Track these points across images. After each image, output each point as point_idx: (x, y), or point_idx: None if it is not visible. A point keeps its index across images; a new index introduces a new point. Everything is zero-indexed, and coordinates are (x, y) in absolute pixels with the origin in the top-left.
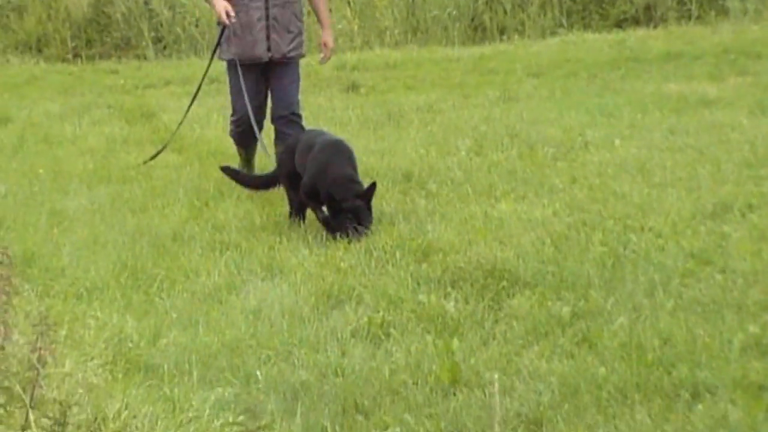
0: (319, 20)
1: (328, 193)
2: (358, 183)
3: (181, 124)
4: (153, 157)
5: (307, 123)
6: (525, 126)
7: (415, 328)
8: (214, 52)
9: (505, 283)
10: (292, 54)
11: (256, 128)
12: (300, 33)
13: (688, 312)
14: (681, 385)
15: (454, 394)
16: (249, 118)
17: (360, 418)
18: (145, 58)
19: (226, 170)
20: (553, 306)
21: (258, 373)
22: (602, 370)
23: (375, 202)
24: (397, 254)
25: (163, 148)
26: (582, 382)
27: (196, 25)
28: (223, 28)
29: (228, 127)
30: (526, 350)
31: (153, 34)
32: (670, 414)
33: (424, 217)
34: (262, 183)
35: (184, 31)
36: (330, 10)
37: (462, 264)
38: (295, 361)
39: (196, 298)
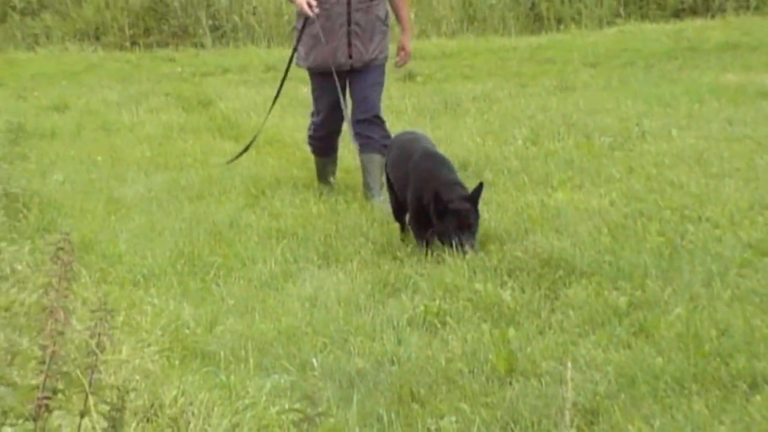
0: (399, 22)
1: (434, 194)
2: (465, 187)
3: (263, 126)
4: (237, 157)
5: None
6: (582, 115)
7: (471, 316)
8: (291, 58)
9: (561, 272)
10: (375, 61)
11: (347, 119)
12: (384, 36)
13: (746, 302)
14: (738, 376)
15: (510, 383)
16: (330, 119)
17: (416, 406)
18: (203, 46)
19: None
20: (610, 296)
21: (314, 360)
22: (659, 360)
23: None
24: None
25: (247, 147)
26: (639, 372)
27: (254, 14)
28: (302, 31)
29: (306, 133)
30: (582, 340)
31: (210, 22)
32: (728, 405)
33: (481, 206)
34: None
35: (241, 19)
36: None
37: (518, 253)
38: (351, 348)
39: (253, 286)
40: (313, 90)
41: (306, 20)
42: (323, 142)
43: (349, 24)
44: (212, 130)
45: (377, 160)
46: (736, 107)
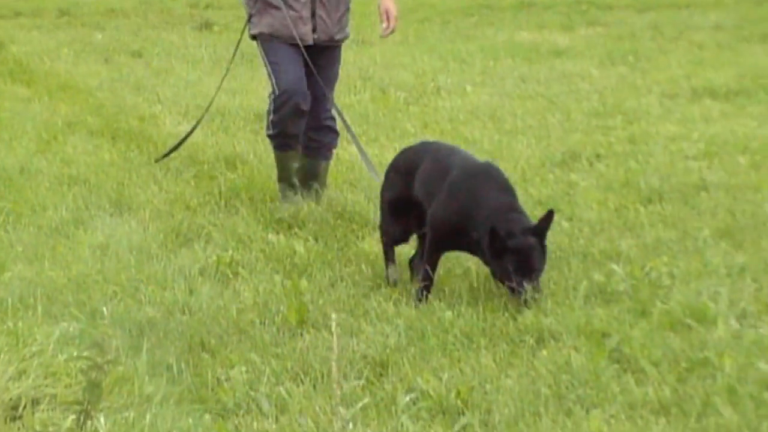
0: None
1: (490, 228)
2: (524, 214)
3: (210, 104)
4: (168, 154)
5: (159, 61)
6: (378, 70)
7: (264, 268)
8: (243, 31)
9: (354, 225)
10: (339, 36)
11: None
12: (347, 9)
13: None
14: (526, 331)
15: (301, 335)
16: (297, 89)
17: (206, 356)
18: None
19: None
20: (403, 249)
21: (104, 308)
22: (449, 314)
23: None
24: (248, 194)
25: (176, 146)
26: (428, 326)
27: None
28: None
29: (265, 124)
30: (374, 293)
31: None
32: (515, 359)
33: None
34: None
35: None
36: None
37: (312, 205)
38: (142, 297)
39: (43, 233)
40: (270, 56)
41: None
42: (291, 122)
43: None
44: (3, 74)
45: (323, 165)
46: (529, 65)
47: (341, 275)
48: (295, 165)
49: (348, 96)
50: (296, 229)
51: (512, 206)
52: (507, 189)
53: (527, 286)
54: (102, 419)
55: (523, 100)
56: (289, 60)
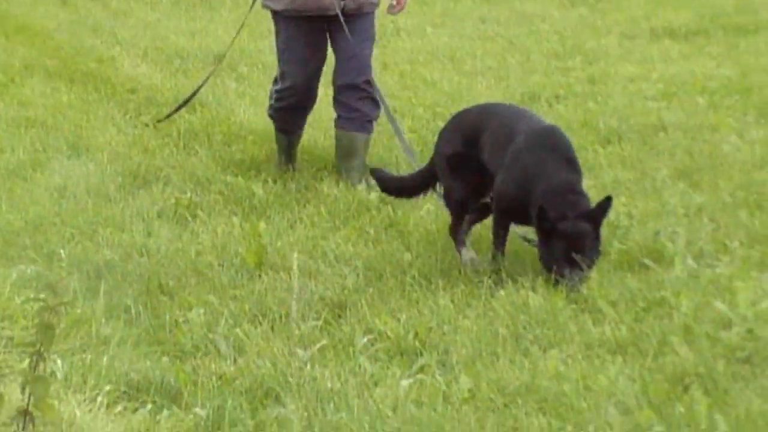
0: None
1: (539, 207)
2: (583, 195)
3: (222, 59)
4: (168, 116)
5: (118, 2)
6: None
7: (222, 209)
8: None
9: (313, 169)
10: (367, 5)
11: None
12: None
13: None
14: (484, 272)
15: (260, 277)
16: (305, 87)
17: (164, 298)
18: None
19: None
20: (361, 191)
21: (61, 251)
22: (407, 255)
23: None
24: (206, 136)
25: (181, 105)
26: (387, 267)
27: None
28: None
29: (267, 101)
30: (332, 234)
31: None
32: (473, 299)
33: (234, 100)
34: (420, 183)
35: None
36: None
37: (271, 147)
38: (100, 240)
39: None
40: (284, 43)
41: None
42: (292, 115)
43: None
44: None
45: (362, 140)
46: (489, 6)
47: (300, 217)
48: (295, 149)
49: None
50: (255, 171)
51: (571, 185)
52: (569, 161)
53: (573, 275)
54: (59, 361)
55: (483, 41)
56: (302, 51)
